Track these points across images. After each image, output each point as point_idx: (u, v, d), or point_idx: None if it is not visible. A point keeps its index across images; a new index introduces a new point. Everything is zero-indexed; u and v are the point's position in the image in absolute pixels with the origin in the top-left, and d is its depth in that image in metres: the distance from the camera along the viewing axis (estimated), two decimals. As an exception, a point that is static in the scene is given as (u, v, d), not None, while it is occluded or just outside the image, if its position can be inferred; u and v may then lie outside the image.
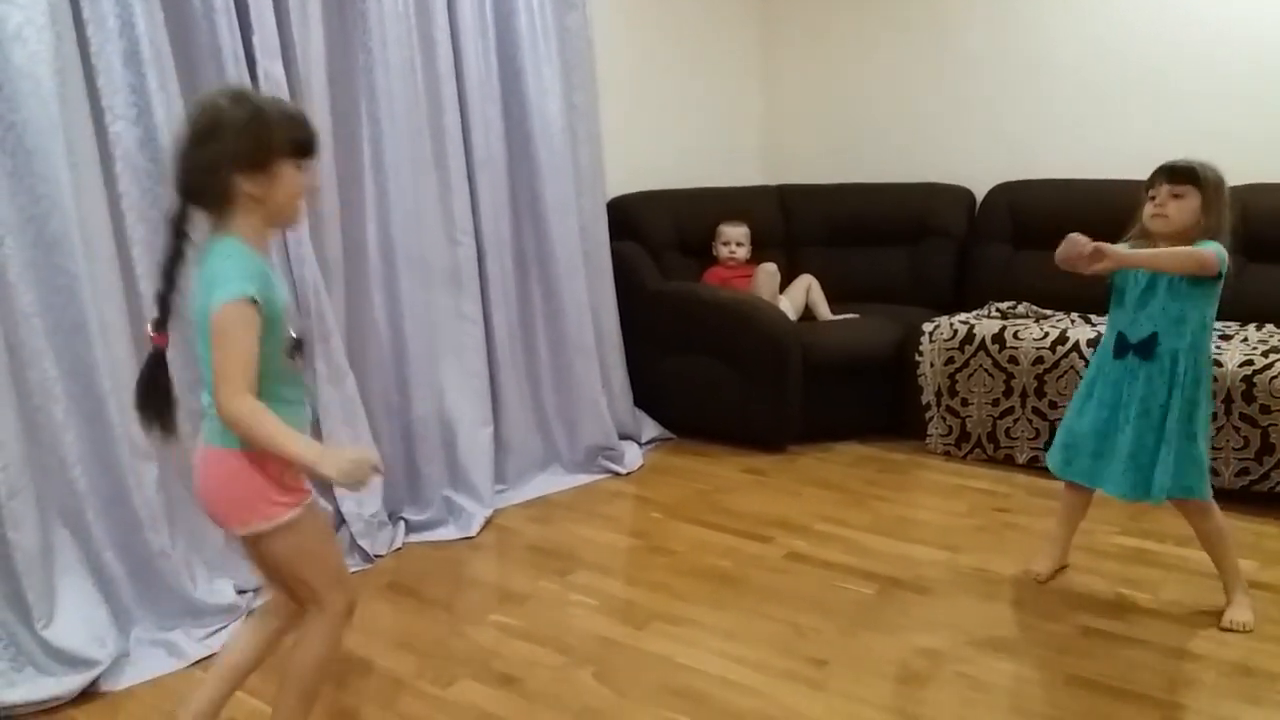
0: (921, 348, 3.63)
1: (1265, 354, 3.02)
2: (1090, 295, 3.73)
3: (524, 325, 3.48)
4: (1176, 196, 2.29)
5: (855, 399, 3.83)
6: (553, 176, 3.39)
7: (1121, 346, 2.38)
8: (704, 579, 2.71)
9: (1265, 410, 2.96)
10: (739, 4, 4.76)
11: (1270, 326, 3.40)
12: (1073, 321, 3.60)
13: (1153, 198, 2.32)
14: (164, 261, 1.63)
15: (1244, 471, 3.03)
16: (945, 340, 3.57)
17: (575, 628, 2.46)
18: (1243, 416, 2.99)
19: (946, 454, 3.62)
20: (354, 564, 2.82)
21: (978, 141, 4.35)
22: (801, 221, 4.52)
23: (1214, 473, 3.03)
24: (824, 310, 4.09)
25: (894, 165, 4.53)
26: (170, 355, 1.67)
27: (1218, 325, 3.43)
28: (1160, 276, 2.32)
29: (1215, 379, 2.99)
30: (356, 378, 2.91)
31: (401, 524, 3.04)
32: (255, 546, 1.71)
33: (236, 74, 2.56)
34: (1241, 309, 3.48)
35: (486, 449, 3.21)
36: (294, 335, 1.74)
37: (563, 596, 2.63)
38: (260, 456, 1.63)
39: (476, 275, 3.22)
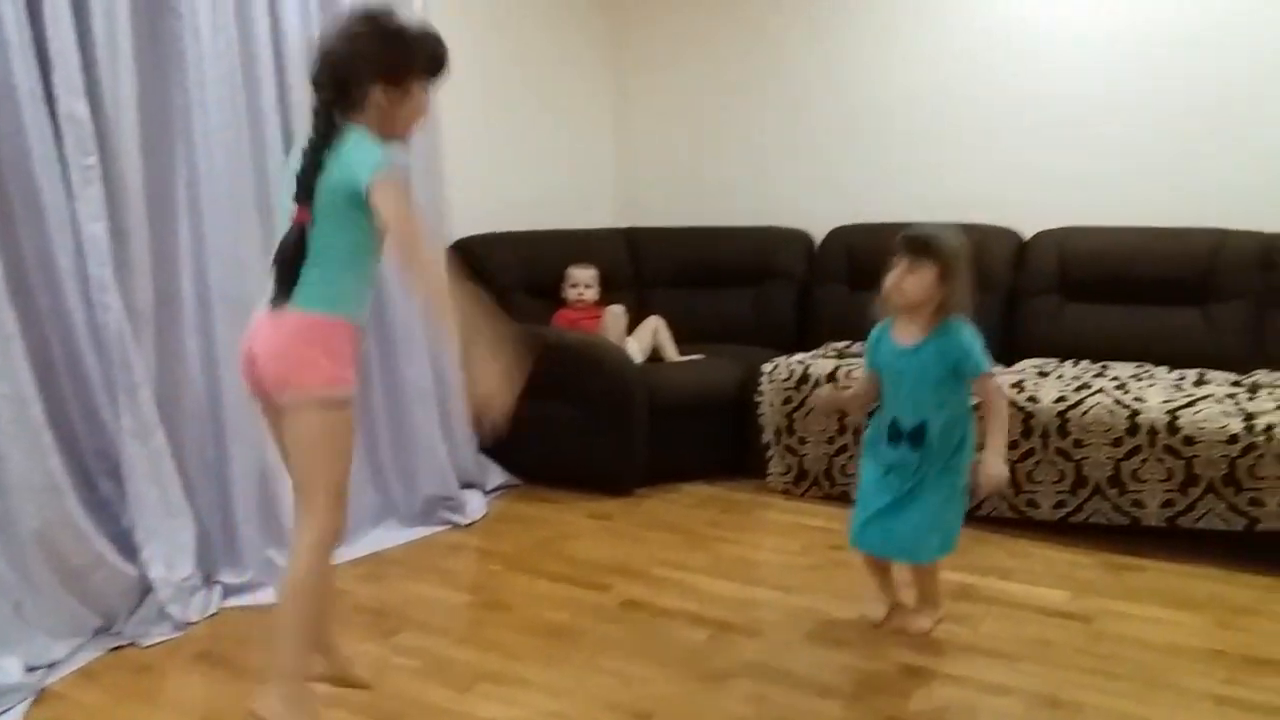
0: (761, 388, 3.68)
1: (1078, 390, 3.17)
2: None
3: (357, 372, 3.36)
4: (913, 271, 2.32)
5: (701, 439, 3.85)
6: (385, 219, 3.30)
7: (895, 434, 2.43)
8: (537, 634, 2.65)
9: (1078, 444, 3.10)
10: (591, 52, 4.80)
11: (1086, 362, 3.58)
12: (904, 360, 3.71)
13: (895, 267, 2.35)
14: (310, 146, 1.84)
15: (1060, 504, 3.16)
16: (783, 380, 3.63)
17: (395, 693, 2.35)
18: (1058, 451, 3.13)
19: (786, 492, 3.66)
20: (162, 633, 2.63)
21: (816, 187, 4.48)
22: (650, 264, 4.55)
23: (1033, 505, 3.18)
24: (671, 351, 4.11)
25: (739, 209, 4.62)
26: None
27: (1037, 361, 3.62)
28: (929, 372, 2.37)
29: (1032, 415, 3.14)
30: (168, 431, 2.75)
31: (218, 587, 2.87)
32: (295, 418, 1.89)
33: (33, 113, 2.42)
34: (1058, 346, 3.66)
35: (312, 504, 3.07)
36: None
37: (385, 660, 2.51)
38: (350, 332, 1.91)
39: (303, 322, 3.09)
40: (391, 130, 1.90)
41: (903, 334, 2.41)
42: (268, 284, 1.91)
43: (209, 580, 2.87)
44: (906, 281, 2.32)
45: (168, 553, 2.70)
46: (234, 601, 2.86)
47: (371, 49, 1.83)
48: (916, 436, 2.39)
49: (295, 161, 1.89)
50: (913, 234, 2.33)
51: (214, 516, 2.92)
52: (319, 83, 1.87)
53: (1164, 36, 3.73)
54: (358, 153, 1.81)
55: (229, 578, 2.90)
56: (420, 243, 1.81)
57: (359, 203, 1.81)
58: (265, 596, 2.88)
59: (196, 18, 2.76)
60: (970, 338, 2.35)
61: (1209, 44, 3.66)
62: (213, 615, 2.79)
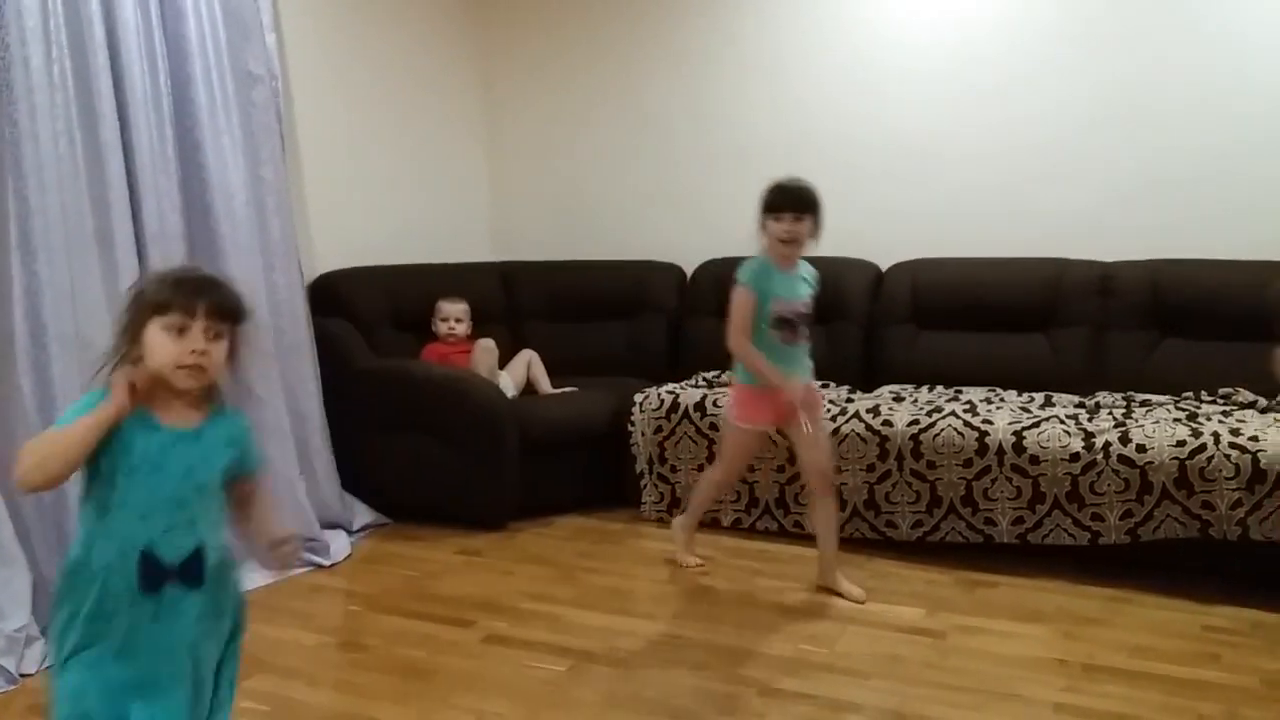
0: (633, 418, 3.70)
1: (930, 413, 3.27)
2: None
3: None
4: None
5: (575, 471, 3.84)
6: (237, 251, 3.24)
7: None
8: (393, 673, 2.58)
9: (931, 466, 3.20)
10: (461, 85, 4.80)
11: (940, 388, 3.70)
12: (770, 388, 3.78)
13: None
14: None
15: (918, 524, 3.25)
16: (654, 410, 3.65)
17: (240, 738, 2.26)
18: (913, 472, 3.22)
19: (660, 520, 3.67)
20: (-5, 687, 2.49)
21: (686, 221, 4.56)
22: (524, 297, 4.55)
23: (891, 525, 3.27)
24: (545, 384, 4.10)
25: (612, 243, 4.65)
26: None
27: (894, 387, 3.73)
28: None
29: (886, 438, 3.23)
30: (0, 474, 2.61)
31: (56, 637, 2.72)
32: None
33: None
34: (914, 373, 3.79)
35: (161, 547, 2.95)
36: None
37: (233, 706, 2.41)
38: None
39: (149, 358, 2.99)
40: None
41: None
42: None
43: (45, 630, 2.71)
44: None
45: (1, 603, 2.55)
46: (71, 652, 2.71)
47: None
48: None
49: None
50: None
51: (52, 563, 2.76)
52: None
53: (1003, 78, 3.94)
54: None
55: (65, 628, 2.75)
56: None
57: None
58: (105, 646, 2.74)
59: (25, 49, 2.68)
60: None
61: (1044, 84, 3.88)
62: (49, 667, 2.63)
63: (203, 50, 3.20)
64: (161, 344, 1.53)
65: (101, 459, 1.52)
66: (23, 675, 2.57)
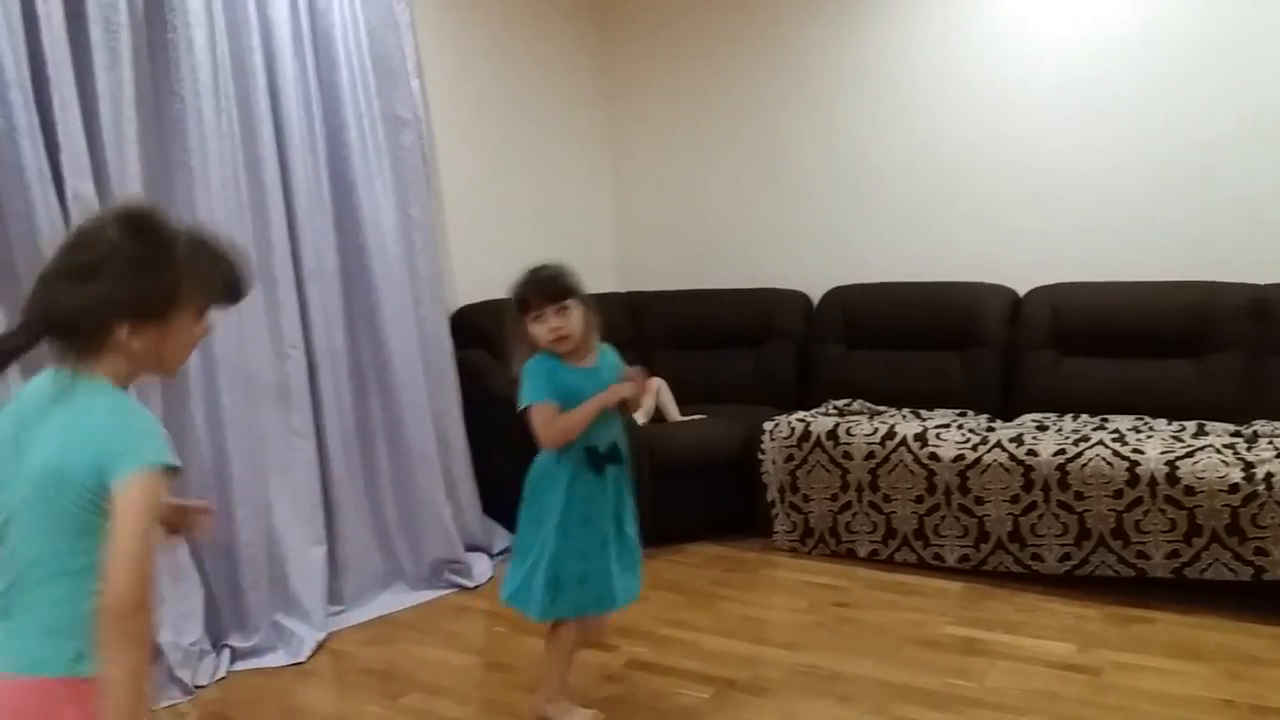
0: (763, 446, 3.71)
1: (1076, 443, 3.18)
2: (921, 392, 3.95)
3: (362, 438, 3.41)
4: (564, 311, 2.27)
5: (705, 499, 3.86)
6: (389, 287, 3.40)
7: (598, 459, 2.30)
8: (540, 694, 2.65)
9: (1079, 497, 3.10)
10: (589, 119, 4.92)
11: (1085, 416, 3.59)
12: (904, 417, 3.74)
13: (539, 319, 2.27)
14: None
15: (1065, 557, 3.15)
16: (784, 438, 3.65)
17: (400, 755, 2.35)
18: (1060, 504, 3.13)
19: (793, 550, 3.66)
20: (172, 697, 2.66)
21: (812, 248, 4.55)
22: (651, 326, 4.62)
23: (1038, 558, 3.18)
24: (673, 412, 4.15)
25: (737, 272, 4.68)
26: None
27: (1035, 416, 3.64)
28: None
29: (1032, 468, 3.16)
30: (175, 497, 2.79)
31: (226, 652, 2.89)
32: None
33: (42, 194, 2.51)
34: (1055, 401, 3.68)
35: (318, 569, 3.10)
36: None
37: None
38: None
39: (307, 388, 3.16)
40: (154, 369, 1.40)
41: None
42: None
43: (217, 644, 2.89)
44: (565, 324, 2.27)
45: (176, 618, 2.74)
46: (242, 665, 2.89)
47: (108, 286, 1.29)
48: (615, 455, 2.33)
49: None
50: (540, 278, 2.31)
51: (221, 582, 2.94)
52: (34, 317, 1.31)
53: (1144, 90, 3.80)
54: (103, 426, 1.28)
55: (237, 641, 2.92)
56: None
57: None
58: (273, 660, 2.90)
59: (199, 100, 2.88)
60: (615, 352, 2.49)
61: (1189, 95, 3.73)
62: (222, 679, 2.81)
63: (354, 97, 3.38)
64: (537, 330, 2.26)
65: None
66: (197, 687, 2.73)
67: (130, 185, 2.72)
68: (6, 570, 1.29)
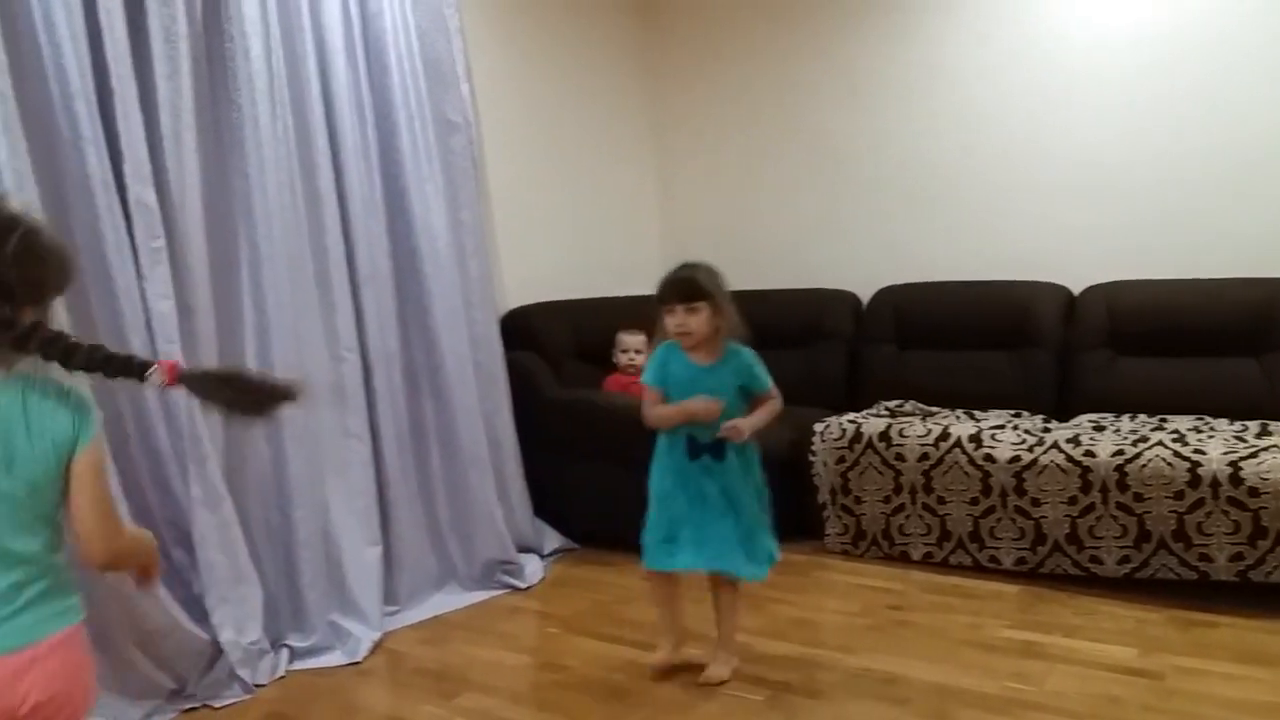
0: (814, 447, 3.68)
1: (1135, 444, 3.12)
2: (974, 393, 3.90)
3: (415, 439, 3.45)
4: (693, 311, 2.52)
5: (755, 501, 3.84)
6: (441, 290, 3.43)
7: (695, 449, 2.59)
8: (595, 694, 2.65)
9: (1139, 498, 3.05)
10: (634, 122, 4.93)
11: (1143, 416, 3.53)
12: (957, 418, 3.70)
13: (670, 313, 2.56)
14: None
15: (1125, 559, 3.10)
16: (835, 440, 3.63)
17: (457, 754, 2.37)
18: (1119, 505, 3.08)
19: (845, 553, 3.63)
20: (233, 695, 2.70)
21: (861, 248, 4.52)
22: (699, 327, 4.60)
23: (1096, 561, 3.13)
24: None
25: (785, 272, 4.66)
26: None
27: (1092, 416, 3.58)
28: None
29: (1089, 469, 3.11)
30: (234, 500, 2.84)
31: (285, 651, 2.93)
32: None
33: (106, 201, 2.57)
34: (1112, 401, 3.62)
35: (374, 569, 3.13)
36: None
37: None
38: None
39: (362, 390, 3.20)
40: None
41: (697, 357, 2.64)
42: None
43: (276, 644, 2.93)
44: (691, 322, 2.53)
45: (237, 617, 2.78)
46: (301, 664, 2.93)
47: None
48: (717, 449, 2.58)
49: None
50: (679, 277, 2.57)
51: (280, 582, 2.99)
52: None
53: (1202, 83, 3.72)
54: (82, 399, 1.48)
55: (296, 641, 2.96)
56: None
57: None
58: (330, 659, 2.94)
59: (255, 108, 2.93)
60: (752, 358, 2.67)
61: (1248, 89, 3.64)
62: (281, 678, 2.85)
63: (405, 102, 3.41)
64: (667, 322, 2.54)
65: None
66: (257, 685, 2.78)
67: (189, 192, 2.78)
68: None
